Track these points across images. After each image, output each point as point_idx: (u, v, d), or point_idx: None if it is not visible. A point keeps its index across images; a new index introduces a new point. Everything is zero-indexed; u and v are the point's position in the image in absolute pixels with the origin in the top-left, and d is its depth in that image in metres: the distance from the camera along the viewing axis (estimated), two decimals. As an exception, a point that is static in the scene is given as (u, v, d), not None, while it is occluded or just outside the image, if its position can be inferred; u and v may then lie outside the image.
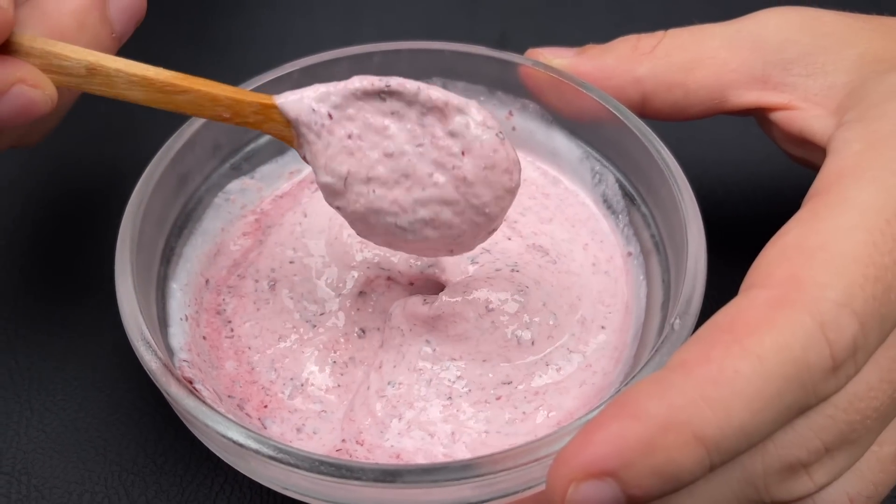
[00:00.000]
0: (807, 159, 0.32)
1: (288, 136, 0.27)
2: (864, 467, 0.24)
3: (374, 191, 0.27)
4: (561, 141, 0.35)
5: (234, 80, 0.34)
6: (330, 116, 0.26)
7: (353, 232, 0.33)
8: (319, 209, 0.35)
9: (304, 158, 0.27)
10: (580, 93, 0.33)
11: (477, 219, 0.27)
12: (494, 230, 0.28)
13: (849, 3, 0.33)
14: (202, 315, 0.32)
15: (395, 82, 0.26)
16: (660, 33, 0.33)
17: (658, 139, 0.31)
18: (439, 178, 0.26)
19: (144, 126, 0.44)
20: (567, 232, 0.34)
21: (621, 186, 0.34)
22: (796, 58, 0.31)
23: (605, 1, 0.50)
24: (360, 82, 0.26)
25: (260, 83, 0.34)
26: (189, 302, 0.32)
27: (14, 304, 0.37)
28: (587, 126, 0.34)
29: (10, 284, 0.38)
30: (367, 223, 0.28)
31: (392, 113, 0.26)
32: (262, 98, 0.27)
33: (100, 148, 0.43)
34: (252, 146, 0.35)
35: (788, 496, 0.23)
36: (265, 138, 0.35)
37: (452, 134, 0.26)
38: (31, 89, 0.23)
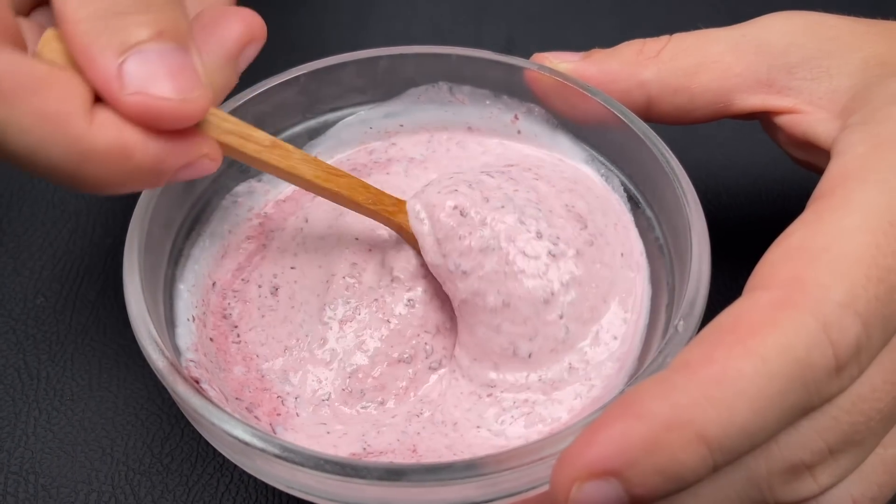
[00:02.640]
0: (811, 163, 0.32)
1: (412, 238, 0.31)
2: (868, 469, 0.24)
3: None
4: (566, 144, 0.36)
5: (243, 84, 0.34)
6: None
7: (353, 241, 0.33)
8: (321, 215, 0.35)
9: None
10: (585, 96, 0.33)
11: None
12: None
13: (853, 7, 0.33)
14: (209, 317, 0.32)
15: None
16: (665, 38, 0.33)
17: (663, 143, 0.31)
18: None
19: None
20: (595, 201, 0.33)
21: (626, 190, 0.34)
22: (801, 62, 0.31)
23: (611, 6, 0.51)
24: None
25: (268, 86, 0.34)
26: (196, 303, 0.32)
27: (23, 305, 0.37)
28: (592, 129, 0.34)
29: (19, 285, 0.38)
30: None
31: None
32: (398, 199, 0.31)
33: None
34: (259, 149, 0.35)
35: (792, 497, 0.23)
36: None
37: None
38: (211, 162, 0.26)
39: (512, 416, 0.29)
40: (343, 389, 0.30)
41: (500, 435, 0.29)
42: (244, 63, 0.28)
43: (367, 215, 0.31)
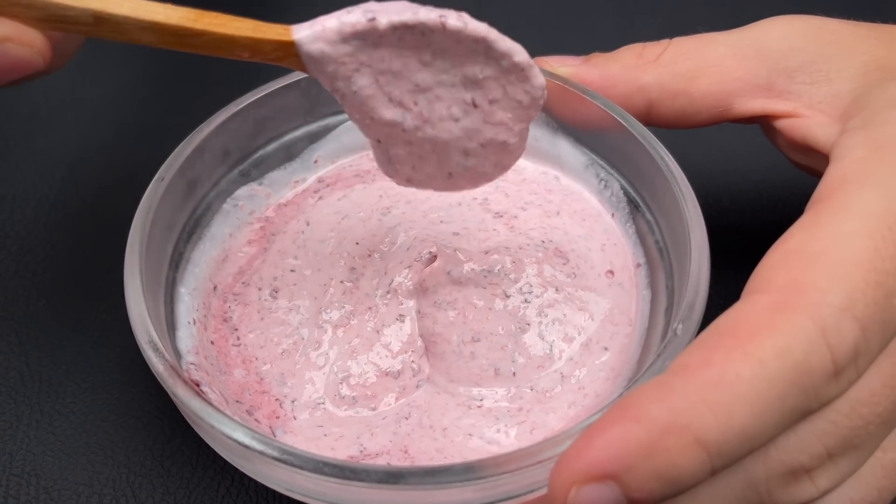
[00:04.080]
0: (811, 166, 0.32)
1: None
2: (867, 473, 0.24)
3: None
4: (566, 148, 0.36)
5: (245, 87, 0.34)
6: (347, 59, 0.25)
7: (353, 246, 0.33)
8: (322, 218, 0.35)
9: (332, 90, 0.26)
10: (585, 101, 0.33)
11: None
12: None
13: (853, 11, 0.33)
14: (210, 320, 0.32)
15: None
16: (665, 41, 0.33)
17: (662, 147, 0.31)
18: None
19: (155, 132, 0.44)
20: (581, 227, 0.34)
21: (626, 194, 0.34)
22: (801, 66, 0.31)
23: (612, 10, 0.51)
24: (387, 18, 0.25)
25: (269, 90, 0.34)
26: (197, 306, 0.32)
27: (25, 308, 0.37)
28: (592, 133, 0.34)
29: (22, 288, 0.38)
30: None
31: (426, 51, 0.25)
32: (282, 35, 0.26)
33: (110, 153, 0.44)
34: (261, 152, 0.36)
35: (791, 501, 0.23)
36: (274, 144, 0.36)
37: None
38: (18, 47, 0.23)
39: (505, 425, 0.29)
40: (335, 395, 0.30)
41: (493, 443, 0.29)
42: None
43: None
